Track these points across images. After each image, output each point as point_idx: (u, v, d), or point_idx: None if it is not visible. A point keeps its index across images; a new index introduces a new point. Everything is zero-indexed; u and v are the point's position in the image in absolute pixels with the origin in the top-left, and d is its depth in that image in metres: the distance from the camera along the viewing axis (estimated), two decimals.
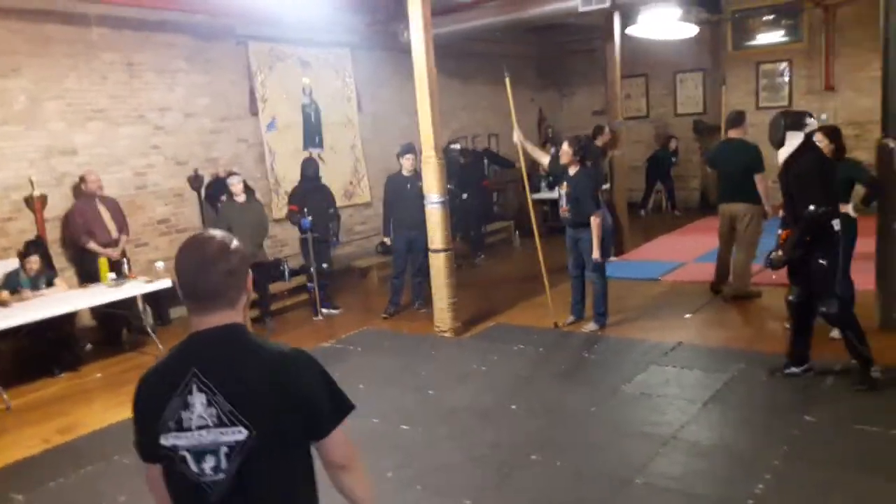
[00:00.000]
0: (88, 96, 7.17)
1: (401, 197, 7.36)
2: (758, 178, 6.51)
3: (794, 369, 4.90)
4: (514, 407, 4.89)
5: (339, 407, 1.75)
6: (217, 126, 8.39)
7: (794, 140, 4.57)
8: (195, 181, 8.11)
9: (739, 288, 6.83)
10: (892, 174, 5.51)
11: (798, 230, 4.55)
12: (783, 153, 4.64)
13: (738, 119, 6.84)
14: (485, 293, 8.03)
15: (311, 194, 7.63)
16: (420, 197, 6.88)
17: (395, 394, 5.29)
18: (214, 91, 8.35)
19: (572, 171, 6.19)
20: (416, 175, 7.26)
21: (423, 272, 7.16)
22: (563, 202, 6.26)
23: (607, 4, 8.22)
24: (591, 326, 6.37)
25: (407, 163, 7.40)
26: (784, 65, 12.04)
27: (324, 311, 7.68)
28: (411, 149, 7.45)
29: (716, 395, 4.79)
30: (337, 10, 8.49)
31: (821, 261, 4.56)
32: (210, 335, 1.71)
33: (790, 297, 4.88)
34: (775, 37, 12.08)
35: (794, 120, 4.62)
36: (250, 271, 1.81)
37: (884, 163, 5.57)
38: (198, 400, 1.66)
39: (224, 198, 7.58)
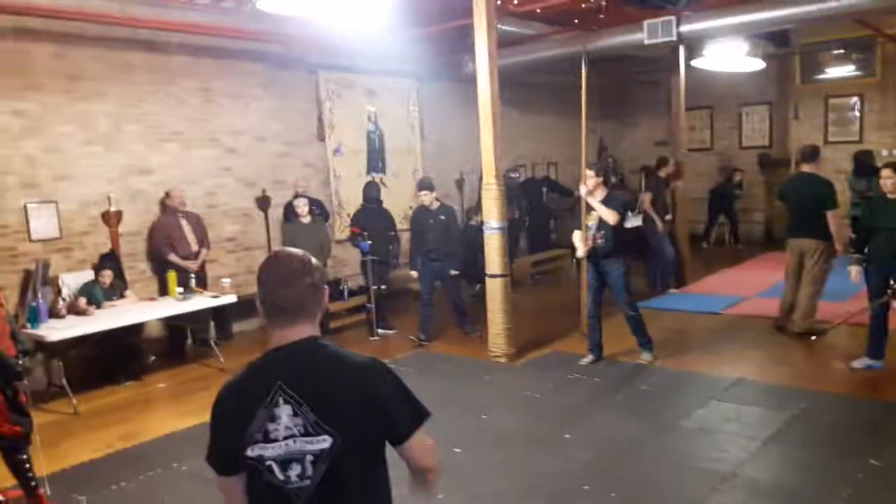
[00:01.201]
0: (166, 119, 7.53)
1: (425, 229, 7.39)
2: (830, 214, 6.33)
3: None
4: (567, 436, 4.85)
5: (416, 413, 1.85)
6: (285, 150, 8.69)
7: None
8: (263, 202, 8.39)
9: (805, 325, 6.64)
10: None
11: None
12: None
13: (812, 154, 6.68)
14: (541, 320, 8.00)
15: (371, 217, 7.82)
16: (445, 228, 7.17)
17: (448, 417, 5.27)
18: (285, 117, 8.65)
19: (599, 195, 6.05)
20: (441, 207, 7.43)
21: (459, 299, 7.49)
22: (593, 231, 6.08)
23: (674, 38, 8.18)
24: (644, 357, 6.28)
25: (423, 198, 7.41)
26: (855, 99, 11.73)
27: (380, 331, 7.80)
28: (426, 185, 7.48)
29: (777, 433, 4.66)
30: (405, 43, 8.73)
31: None
32: (293, 349, 1.78)
33: None
34: (846, 70, 11.80)
35: None
36: (327, 287, 1.89)
37: None
38: (284, 412, 1.74)
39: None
